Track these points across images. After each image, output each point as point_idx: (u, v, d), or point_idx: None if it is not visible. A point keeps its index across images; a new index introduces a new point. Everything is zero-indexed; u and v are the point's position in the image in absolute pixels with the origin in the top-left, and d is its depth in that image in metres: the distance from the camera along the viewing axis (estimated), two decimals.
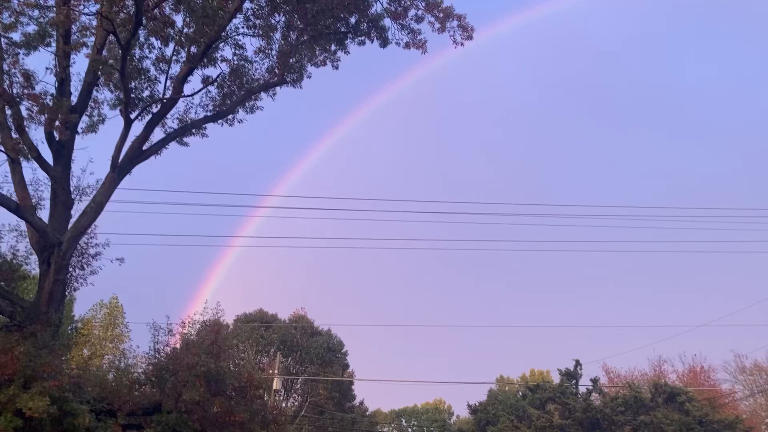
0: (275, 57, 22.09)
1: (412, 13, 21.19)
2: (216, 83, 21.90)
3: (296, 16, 21.25)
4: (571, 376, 34.87)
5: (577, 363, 35.03)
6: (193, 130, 22.22)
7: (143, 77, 20.65)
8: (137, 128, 20.56)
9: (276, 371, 42.63)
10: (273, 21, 21.69)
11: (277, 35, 21.83)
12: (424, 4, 20.88)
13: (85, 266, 20.79)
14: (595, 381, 34.85)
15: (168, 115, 21.40)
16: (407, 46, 21.66)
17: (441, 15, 20.87)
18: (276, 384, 41.20)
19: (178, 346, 19.31)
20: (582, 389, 35.16)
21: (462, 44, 21.45)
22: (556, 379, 37.82)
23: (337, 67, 22.61)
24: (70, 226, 19.28)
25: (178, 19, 20.15)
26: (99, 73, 20.00)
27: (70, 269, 19.86)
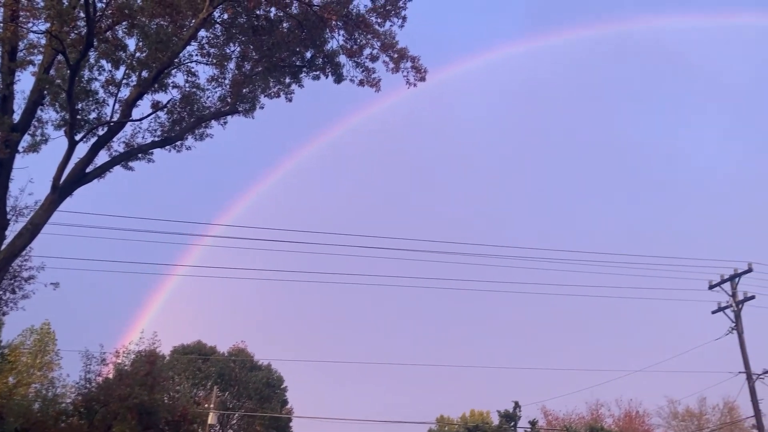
0: (228, 86, 22.05)
1: (367, 51, 21.48)
2: (166, 109, 21.65)
3: (251, 47, 21.32)
4: (510, 417, 35.02)
5: (516, 405, 35.26)
6: (140, 155, 21.83)
7: (91, 99, 20.24)
8: (81, 150, 20.07)
9: (212, 405, 41.50)
10: (228, 50, 21.70)
11: (231, 65, 21.84)
12: (379, 44, 21.20)
13: (16, 290, 20.00)
14: (533, 423, 35.09)
15: (114, 139, 20.99)
16: (361, 83, 21.91)
17: (395, 56, 21.21)
18: (211, 419, 40.04)
19: (110, 376, 18.64)
20: (520, 431, 35.34)
21: (415, 85, 21.82)
22: (495, 420, 37.94)
23: (290, 100, 22.73)
24: (3, 247, 18.56)
25: (131, 43, 19.96)
26: (45, 92, 19.52)
27: (0, 292, 19.05)
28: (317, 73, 22.03)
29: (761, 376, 28.03)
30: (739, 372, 28.67)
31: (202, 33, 20.79)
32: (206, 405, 40.80)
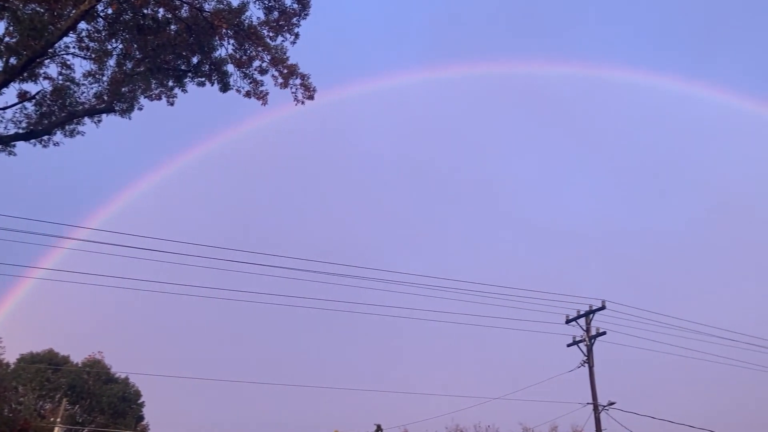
0: (106, 83, 21.04)
1: (256, 64, 21.26)
2: (34, 100, 20.32)
3: (135, 45, 20.49)
4: None
5: (379, 428, 35.56)
6: (0, 147, 20.31)
7: None
8: None
9: (59, 419, 38.80)
10: (109, 46, 20.73)
11: (112, 61, 20.86)
12: (269, 58, 21.04)
13: None
14: None
15: None
16: (248, 95, 21.62)
17: (285, 71, 21.11)
18: None
19: None
20: None
21: (303, 102, 21.80)
22: None
23: (172, 104, 22.04)
24: None
25: (0, 26, 18.64)
26: None
27: None
28: (203, 79, 21.52)
29: (606, 408, 29.88)
30: (588, 403, 30.41)
31: (83, 25, 19.76)
32: (52, 419, 38.11)
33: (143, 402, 53.06)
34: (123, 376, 51.56)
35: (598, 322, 32.21)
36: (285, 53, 20.99)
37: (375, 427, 35.81)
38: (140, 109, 21.76)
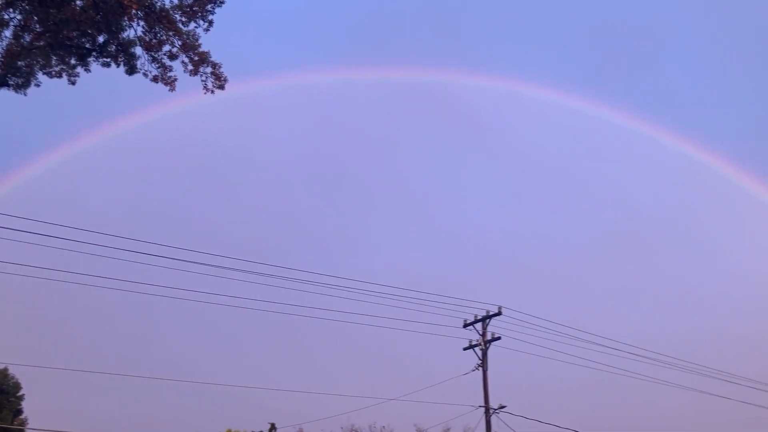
0: (1, 55, 19.76)
1: (166, 48, 20.53)
2: None
3: (36, 18, 19.36)
4: None
5: (273, 426, 35.21)
6: None
7: None
8: None
9: None
10: (6, 16, 19.48)
11: (8, 32, 19.60)
12: (180, 43, 20.40)
13: None
14: None
15: None
16: (156, 79, 20.89)
17: (196, 58, 20.54)
18: None
19: None
20: None
21: (213, 92, 21.31)
22: None
23: (74, 83, 20.95)
24: None
25: None
26: None
27: None
28: (108, 60, 20.58)
29: (497, 411, 30.85)
30: (480, 406, 31.31)
31: None
32: None
33: (23, 395, 50.25)
34: (0, 367, 48.63)
35: (494, 327, 33.24)
36: (197, 40, 20.43)
37: (269, 426, 35.43)
38: (38, 85, 20.58)
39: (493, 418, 30.97)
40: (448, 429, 51.11)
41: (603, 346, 33.02)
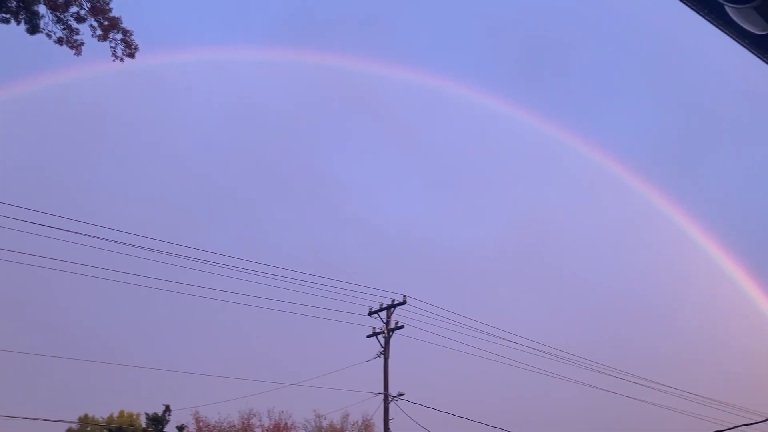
0: None
1: (73, 9, 19.50)
2: None
3: None
4: (158, 421, 33.99)
5: (167, 408, 34.40)
6: None
7: None
8: None
9: None
10: None
11: None
12: (89, 6, 19.43)
13: None
14: (180, 428, 34.53)
15: None
16: (60, 41, 19.80)
17: (106, 23, 19.63)
18: None
19: None
20: None
21: (122, 59, 20.47)
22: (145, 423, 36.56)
23: None
24: None
25: None
26: None
27: None
28: (8, 16, 19.31)
29: (395, 398, 31.33)
30: (379, 393, 31.70)
31: None
32: None
33: None
34: None
35: (398, 316, 33.67)
36: (108, 4, 19.51)
37: (163, 408, 34.61)
38: None
39: (392, 405, 31.42)
40: (347, 415, 51.61)
41: (503, 339, 34.10)
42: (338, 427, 51.74)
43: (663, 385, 36.34)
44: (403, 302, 33.55)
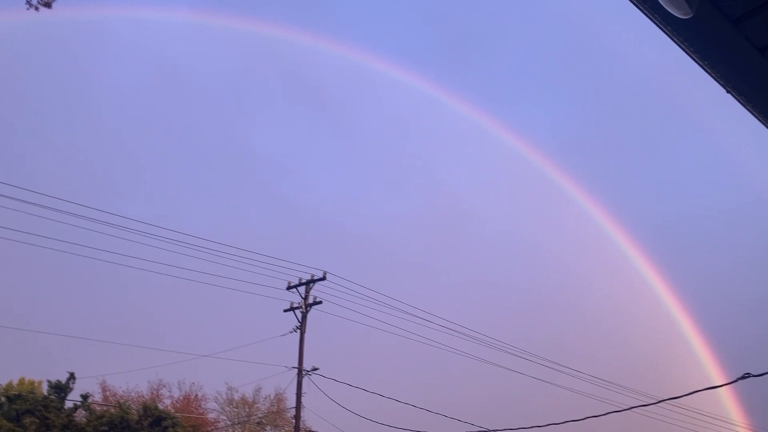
0: None
1: None
2: None
3: None
4: (61, 389, 32.74)
5: (71, 376, 33.17)
6: None
7: None
8: None
9: None
10: None
11: None
12: None
13: None
14: (85, 397, 33.42)
15: None
16: None
17: None
18: None
19: None
20: (70, 404, 33.28)
21: (37, 8, 19.26)
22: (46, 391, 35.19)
23: None
24: None
25: None
26: None
27: None
28: None
29: (309, 373, 31.32)
30: (293, 367, 31.60)
31: None
32: None
33: None
34: None
35: (317, 291, 33.58)
36: None
37: (68, 375, 33.35)
38: None
39: (306, 380, 31.41)
40: (260, 388, 51.34)
41: (419, 318, 34.59)
42: (250, 400, 51.42)
43: (567, 367, 37.83)
44: (323, 278, 33.47)
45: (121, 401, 40.81)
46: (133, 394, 47.66)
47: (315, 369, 31.50)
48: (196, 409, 48.36)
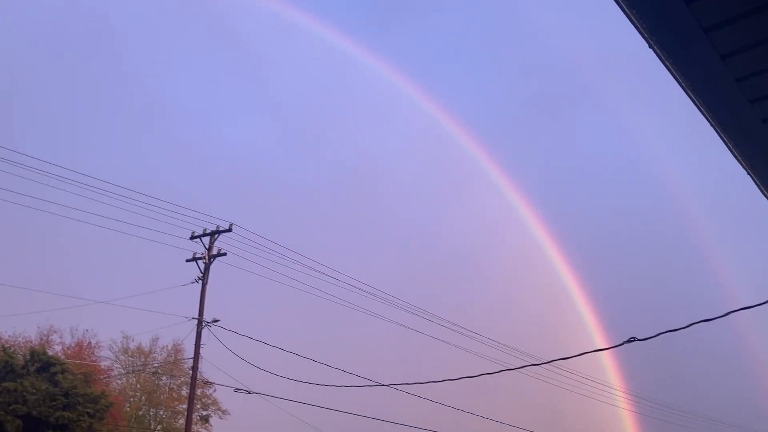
0: None
1: None
2: None
3: None
4: None
5: None
6: None
7: None
8: None
9: None
10: None
11: None
12: None
13: None
14: None
15: None
16: None
17: None
18: None
19: None
20: None
21: None
22: None
23: None
24: None
25: None
26: None
27: None
28: None
29: (210, 324, 30.84)
30: (193, 318, 31.02)
31: None
32: None
33: None
34: None
35: (222, 243, 32.91)
36: None
37: None
38: None
39: (205, 331, 30.93)
40: (157, 338, 50.28)
41: (327, 276, 34.62)
42: (146, 350, 50.31)
43: (466, 329, 39.02)
44: (229, 230, 32.81)
45: (6, 346, 38.95)
46: (20, 339, 45.60)
47: (215, 321, 31.05)
48: (89, 357, 46.84)
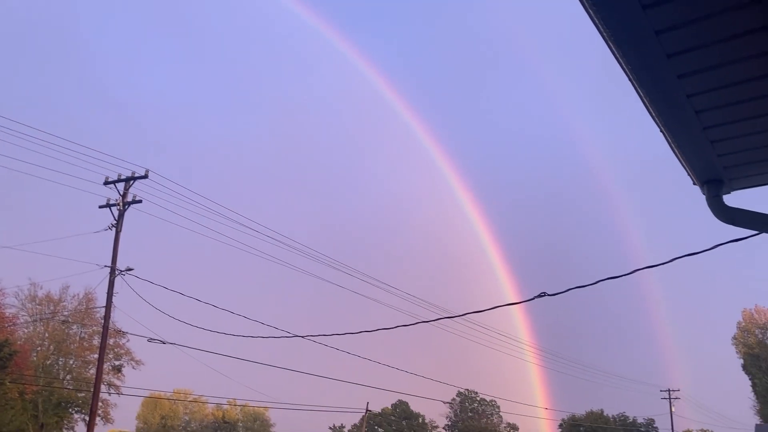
0: None
1: None
2: None
3: None
4: None
5: None
6: None
7: None
8: None
9: None
10: None
11: None
12: None
13: None
14: None
15: None
16: None
17: None
18: None
19: None
20: None
21: None
22: None
23: None
24: None
25: None
26: None
27: None
28: None
29: (123, 273, 29.92)
30: (106, 266, 30.00)
31: None
32: None
33: None
34: None
35: (138, 190, 31.74)
36: None
37: None
38: None
39: (119, 280, 30.01)
40: (68, 286, 48.56)
41: (245, 226, 34.10)
42: (56, 297, 48.55)
43: (385, 284, 39.49)
44: (145, 176, 31.66)
45: None
46: None
47: (129, 269, 30.16)
48: None
